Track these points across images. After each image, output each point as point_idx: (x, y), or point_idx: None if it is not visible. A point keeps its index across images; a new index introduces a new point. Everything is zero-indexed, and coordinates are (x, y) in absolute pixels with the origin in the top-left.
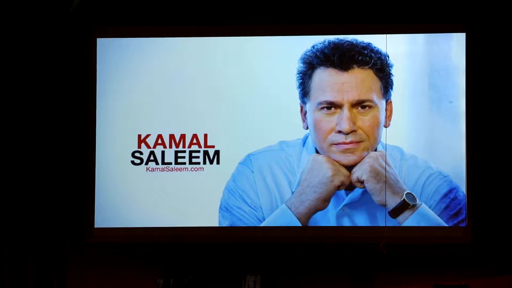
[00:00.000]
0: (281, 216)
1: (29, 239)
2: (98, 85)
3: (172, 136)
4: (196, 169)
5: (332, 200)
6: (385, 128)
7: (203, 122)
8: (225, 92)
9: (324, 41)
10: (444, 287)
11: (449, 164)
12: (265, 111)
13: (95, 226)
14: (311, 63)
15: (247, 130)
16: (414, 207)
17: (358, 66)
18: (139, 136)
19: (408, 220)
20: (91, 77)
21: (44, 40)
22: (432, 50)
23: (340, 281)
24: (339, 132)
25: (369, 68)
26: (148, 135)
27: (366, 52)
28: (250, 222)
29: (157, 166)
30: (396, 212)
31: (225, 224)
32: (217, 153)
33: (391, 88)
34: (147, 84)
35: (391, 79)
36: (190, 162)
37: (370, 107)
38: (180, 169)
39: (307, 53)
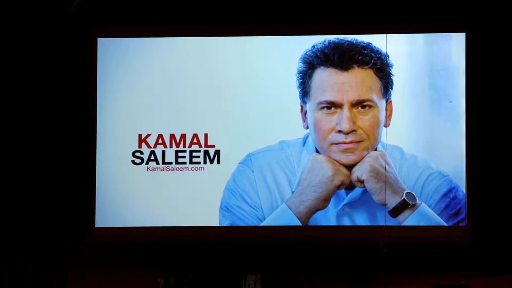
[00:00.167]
0: (282, 215)
1: (30, 238)
2: (99, 85)
3: (172, 136)
4: (196, 169)
5: (332, 200)
6: (385, 128)
7: (204, 121)
8: (226, 92)
9: (324, 41)
10: (444, 286)
11: (449, 164)
12: (266, 111)
13: (96, 226)
14: (311, 63)
15: (248, 129)
16: (414, 206)
17: (358, 66)
18: (140, 135)
19: (408, 219)
20: (92, 77)
21: (45, 40)
22: (432, 50)
23: (340, 280)
24: (339, 131)
25: (369, 68)
26: (148, 135)
27: (366, 52)
28: (251, 221)
29: (158, 166)
30: (396, 211)
31: (226, 223)
32: (217, 152)
33: (391, 88)
34: (148, 84)
35: (391, 79)
36: (191, 162)
37: (370, 106)
38: (180, 169)
39: (307, 53)
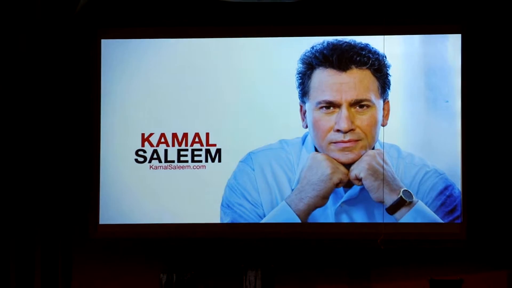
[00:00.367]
0: (281, 212)
1: (37, 235)
2: (103, 85)
3: (174, 135)
4: (198, 167)
5: (330, 197)
6: (382, 127)
7: (205, 121)
8: (227, 92)
9: (323, 42)
10: (440, 281)
11: (445, 162)
12: (266, 110)
13: (100, 223)
14: (311, 64)
15: (248, 128)
16: (410, 204)
17: (356, 67)
18: (143, 135)
19: (405, 216)
20: (96, 78)
21: (50, 41)
22: (428, 51)
23: (338, 276)
24: (338, 131)
25: (367, 68)
26: (151, 134)
27: (364, 53)
28: (251, 218)
29: (160, 164)
30: (393, 208)
31: (227, 220)
32: (218, 151)
33: (389, 88)
34: (150, 84)
35: (389, 79)
36: (193, 160)
37: (368, 106)
38: (182, 167)
39: (306, 54)
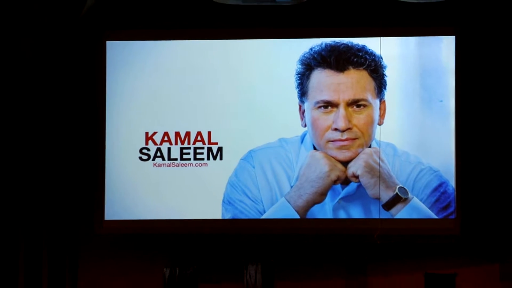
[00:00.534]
0: (281, 209)
1: (44, 230)
2: (108, 85)
3: (177, 134)
4: (200, 165)
5: (328, 194)
6: (379, 126)
7: (207, 120)
8: (228, 92)
9: (321, 44)
10: (434, 275)
11: (439, 160)
12: (266, 110)
13: (105, 219)
14: (309, 65)
15: (249, 127)
16: (406, 200)
17: (354, 67)
18: (147, 133)
19: (401, 212)
20: (101, 78)
21: (57, 43)
22: (423, 52)
23: (336, 270)
24: (336, 129)
25: (363, 69)
26: (155, 133)
27: (361, 54)
28: (251, 214)
29: (164, 162)
30: (389, 205)
31: (228, 216)
32: (220, 149)
33: (385, 88)
34: (154, 85)
35: (385, 80)
36: (195, 158)
37: (364, 106)
38: (185, 165)
39: (305, 55)
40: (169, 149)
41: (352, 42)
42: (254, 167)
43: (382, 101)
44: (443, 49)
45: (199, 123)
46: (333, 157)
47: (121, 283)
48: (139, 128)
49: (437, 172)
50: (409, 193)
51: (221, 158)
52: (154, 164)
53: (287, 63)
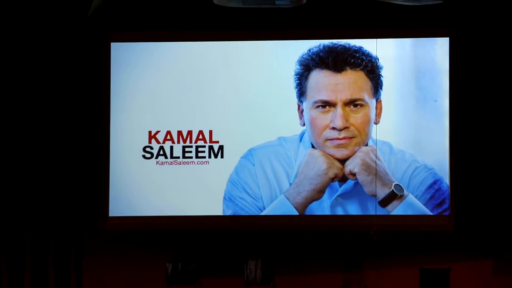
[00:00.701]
0: (280, 205)
1: (50, 227)
2: (112, 86)
3: (180, 133)
4: (202, 163)
5: (326, 191)
6: (375, 125)
7: (209, 119)
8: (229, 92)
9: (320, 45)
10: (429, 270)
11: (433, 158)
12: (265, 110)
13: (110, 215)
14: (308, 65)
15: (249, 126)
16: (402, 197)
17: (351, 68)
18: (150, 132)
19: (397, 209)
20: (106, 79)
21: (64, 44)
22: (418, 53)
23: (333, 265)
24: (333, 128)
25: (360, 70)
26: (158, 132)
27: (358, 55)
28: (252, 211)
29: (166, 160)
30: (385, 202)
31: (229, 213)
32: (221, 148)
33: (381, 88)
34: (157, 85)
35: (381, 80)
36: (197, 156)
37: (361, 105)
38: (187, 163)
39: (303, 56)
40: (171, 147)
41: (349, 44)
42: (254, 165)
43: (378, 101)
44: (438, 50)
45: (200, 122)
46: (331, 155)
47: (125, 277)
48: (143, 127)
49: (431, 169)
50: (404, 190)
51: (222, 156)
52: (157, 162)
53: (286, 64)
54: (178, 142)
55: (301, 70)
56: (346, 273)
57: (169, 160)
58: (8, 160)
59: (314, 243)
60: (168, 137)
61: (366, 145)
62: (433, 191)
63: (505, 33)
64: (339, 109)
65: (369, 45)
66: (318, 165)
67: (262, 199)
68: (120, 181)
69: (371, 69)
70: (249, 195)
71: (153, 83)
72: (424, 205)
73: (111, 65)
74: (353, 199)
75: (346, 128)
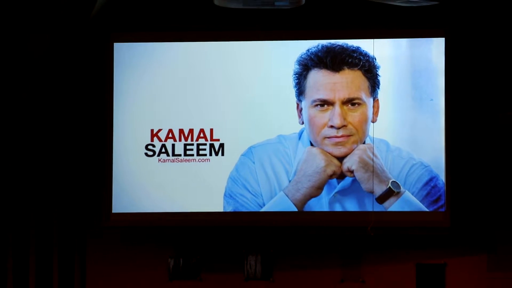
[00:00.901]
0: (280, 202)
1: (54, 223)
2: (115, 85)
3: (181, 131)
4: (203, 160)
5: (325, 188)
6: (372, 123)
7: (210, 118)
8: (229, 91)
9: (318, 45)
10: (425, 265)
11: (430, 155)
12: (265, 108)
13: (113, 212)
14: (306, 65)
15: (249, 125)
16: (398, 194)
17: (348, 68)
18: (152, 130)
19: (393, 205)
20: (109, 78)
21: (67, 44)
22: (414, 53)
23: (332, 260)
24: (331, 126)
25: (358, 69)
26: (160, 130)
27: (355, 55)
28: (252, 207)
29: (168, 158)
30: (382, 198)
31: (229, 209)
32: (222, 145)
33: (378, 87)
34: (159, 84)
35: (378, 79)
36: (198, 154)
37: (359, 104)
38: (188, 160)
39: (302, 56)
40: (173, 145)
41: (347, 44)
42: (254, 163)
43: (375, 100)
44: (433, 50)
45: (202, 120)
46: (329, 153)
47: (128, 273)
48: (145, 125)
49: (428, 167)
50: (401, 187)
51: (222, 154)
52: (159, 160)
53: (285, 64)
54: (180, 140)
55: (300, 70)
56: (344, 268)
57: (170, 157)
58: (13, 158)
59: (312, 239)
60: (170, 135)
61: (364, 143)
62: (429, 188)
63: (500, 33)
64: (337, 108)
65: (366, 45)
66: (317, 162)
67: (262, 195)
68: (123, 178)
69: (368, 68)
70: (249, 192)
71: (155, 82)
72: (420, 201)
73: (114, 64)
74: (351, 196)
75: (344, 126)
